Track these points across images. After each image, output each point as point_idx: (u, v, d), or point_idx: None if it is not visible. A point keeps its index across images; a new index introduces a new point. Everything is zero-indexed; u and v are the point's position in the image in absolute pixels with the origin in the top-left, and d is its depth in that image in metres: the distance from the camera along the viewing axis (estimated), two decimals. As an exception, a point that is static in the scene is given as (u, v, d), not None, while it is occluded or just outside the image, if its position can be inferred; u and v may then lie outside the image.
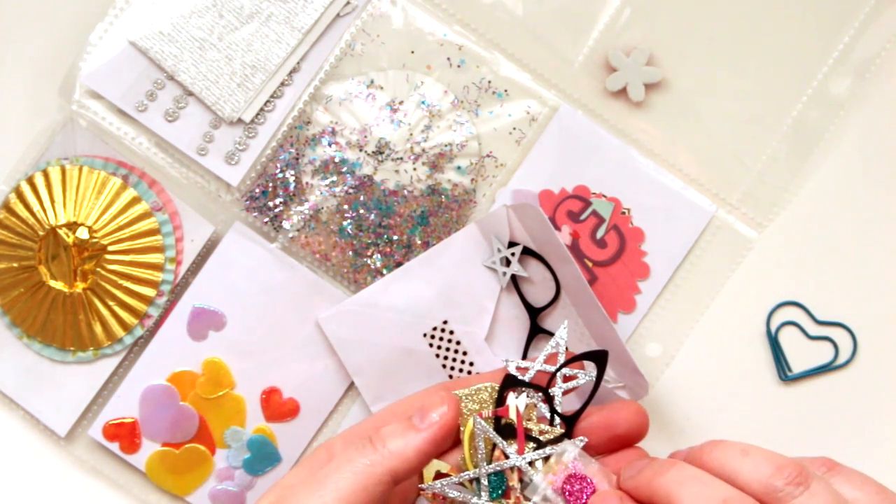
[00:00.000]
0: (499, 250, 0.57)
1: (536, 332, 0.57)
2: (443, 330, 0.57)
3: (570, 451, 0.46)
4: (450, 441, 0.46)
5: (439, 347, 0.57)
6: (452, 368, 0.57)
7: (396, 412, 0.49)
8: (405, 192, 0.59)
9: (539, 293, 0.57)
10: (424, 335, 0.57)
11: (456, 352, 0.57)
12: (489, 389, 0.49)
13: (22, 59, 0.61)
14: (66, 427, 0.59)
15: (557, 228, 0.58)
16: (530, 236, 0.57)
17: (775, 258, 0.59)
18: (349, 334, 0.58)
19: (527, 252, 0.57)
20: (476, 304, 0.57)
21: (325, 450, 0.48)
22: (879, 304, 0.59)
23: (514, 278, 0.57)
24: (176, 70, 0.58)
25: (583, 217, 0.59)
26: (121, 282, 0.58)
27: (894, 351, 0.59)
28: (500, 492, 0.46)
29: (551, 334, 0.57)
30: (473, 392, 0.48)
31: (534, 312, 0.57)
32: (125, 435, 0.58)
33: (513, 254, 0.57)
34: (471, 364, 0.57)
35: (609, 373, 0.56)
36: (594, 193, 0.59)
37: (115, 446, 0.58)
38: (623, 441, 0.49)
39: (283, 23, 0.58)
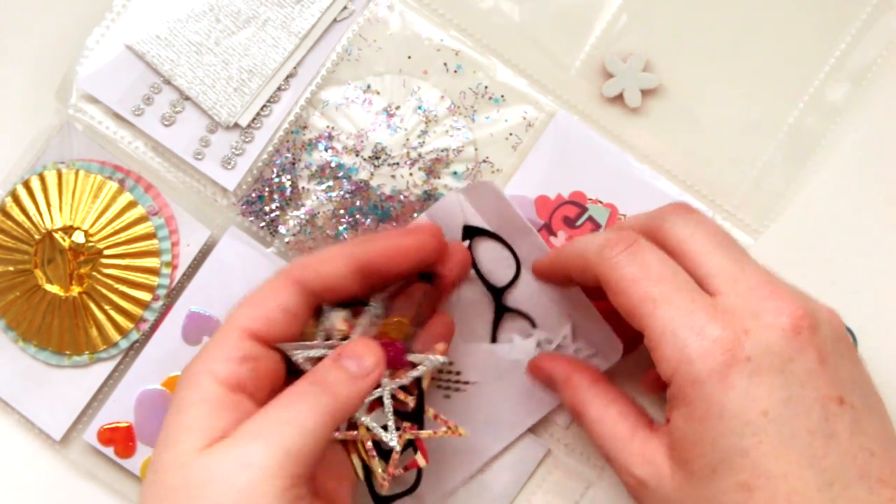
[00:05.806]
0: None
1: (503, 311, 0.57)
2: None
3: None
4: None
5: None
6: None
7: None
8: (401, 197, 0.59)
9: (501, 272, 0.57)
10: None
11: None
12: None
13: (19, 62, 0.61)
14: (61, 431, 0.59)
15: (553, 234, 0.58)
16: (485, 218, 0.57)
17: (772, 264, 0.59)
18: None
19: (483, 233, 0.57)
20: None
21: (194, 388, 0.46)
22: (878, 308, 0.59)
23: (473, 263, 0.57)
24: (172, 74, 0.58)
25: (579, 223, 0.59)
26: (116, 286, 0.58)
27: (894, 351, 0.59)
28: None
29: (518, 312, 0.57)
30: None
31: (497, 293, 0.57)
32: (120, 439, 0.58)
33: (469, 245, 0.57)
34: None
35: (579, 341, 0.56)
36: (590, 199, 0.59)
37: (109, 451, 0.58)
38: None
39: (280, 27, 0.58)
